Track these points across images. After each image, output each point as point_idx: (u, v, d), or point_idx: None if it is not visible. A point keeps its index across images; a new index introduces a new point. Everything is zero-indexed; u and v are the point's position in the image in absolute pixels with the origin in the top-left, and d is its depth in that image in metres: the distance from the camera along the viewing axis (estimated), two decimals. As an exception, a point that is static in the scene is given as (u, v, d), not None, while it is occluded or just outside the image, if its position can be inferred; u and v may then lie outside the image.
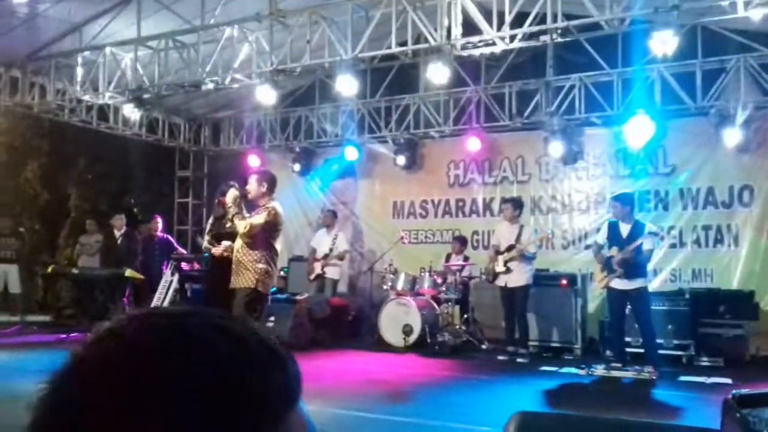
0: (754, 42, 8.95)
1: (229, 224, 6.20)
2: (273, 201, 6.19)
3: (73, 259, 11.54)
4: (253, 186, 6.02)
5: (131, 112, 10.02)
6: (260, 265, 5.93)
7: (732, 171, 9.47)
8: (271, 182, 6.25)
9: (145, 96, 9.97)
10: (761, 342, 8.49)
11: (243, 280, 5.94)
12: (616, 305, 7.50)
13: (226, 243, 6.23)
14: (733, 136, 9.07)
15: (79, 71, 10.02)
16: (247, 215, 5.93)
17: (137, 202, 13.09)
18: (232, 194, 5.97)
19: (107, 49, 9.66)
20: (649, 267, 8.11)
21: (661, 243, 9.11)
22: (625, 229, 7.45)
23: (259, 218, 5.93)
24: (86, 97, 10.42)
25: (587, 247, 10.28)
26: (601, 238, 7.74)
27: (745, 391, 1.19)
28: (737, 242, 9.38)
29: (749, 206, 9.34)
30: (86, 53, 9.93)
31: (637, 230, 7.40)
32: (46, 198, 12.78)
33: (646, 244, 7.28)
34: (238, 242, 5.99)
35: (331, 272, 10.21)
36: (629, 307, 7.52)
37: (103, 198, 13.00)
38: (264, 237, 5.97)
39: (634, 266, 7.29)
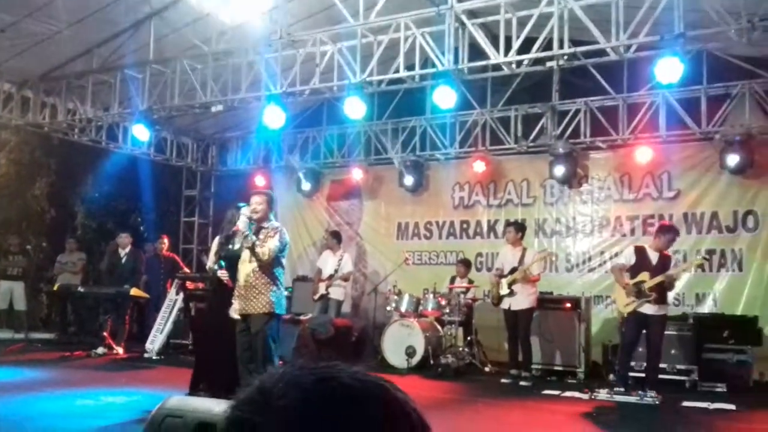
0: (759, 68, 9.03)
1: (237, 246, 6.23)
2: (274, 221, 6.28)
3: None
4: (262, 207, 6.08)
5: (140, 133, 10.11)
6: (274, 288, 5.98)
7: (736, 196, 9.52)
8: (273, 202, 6.39)
9: (155, 116, 10.09)
10: (765, 367, 8.48)
11: (258, 305, 5.96)
12: (636, 330, 7.47)
13: (224, 274, 6.27)
14: (737, 161, 9.12)
15: (91, 91, 10.14)
16: (254, 239, 5.97)
17: (143, 221, 13.20)
18: (244, 221, 6.02)
19: (119, 71, 9.81)
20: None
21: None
22: (654, 255, 7.46)
23: (273, 242, 5.98)
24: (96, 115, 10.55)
25: (591, 270, 10.35)
26: (626, 260, 7.67)
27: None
28: (741, 267, 9.39)
29: (753, 231, 9.36)
30: (99, 74, 10.07)
31: (666, 258, 7.42)
32: (52, 216, 12.88)
33: (690, 269, 7.31)
34: (250, 266, 6.02)
35: (335, 293, 10.24)
36: (643, 331, 7.50)
37: (109, 216, 13.11)
38: (276, 259, 6.03)
39: (664, 292, 7.31)
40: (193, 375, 6.26)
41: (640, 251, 7.58)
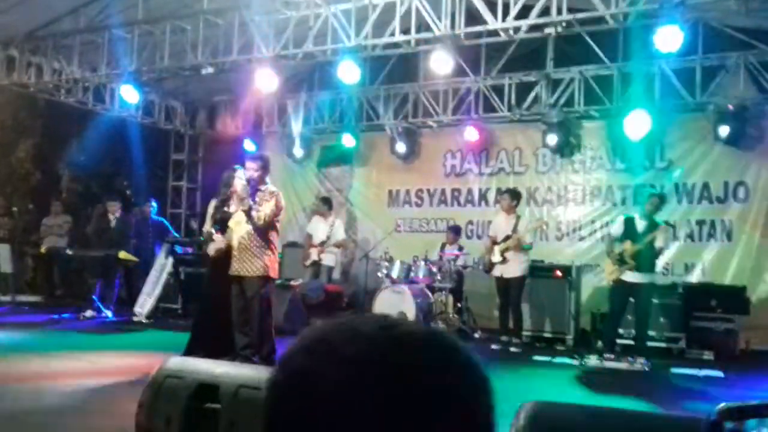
0: (755, 39, 9.00)
1: (233, 208, 6.17)
2: (270, 185, 6.22)
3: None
4: (258, 173, 6.02)
5: (129, 95, 9.93)
6: (268, 252, 5.95)
7: (727, 167, 9.55)
8: (269, 166, 6.32)
9: (144, 78, 9.90)
10: (752, 336, 8.61)
11: (252, 267, 5.94)
12: (622, 298, 7.56)
13: (219, 241, 6.19)
14: (729, 132, 9.13)
15: (78, 51, 9.92)
16: (251, 202, 5.93)
17: (130, 185, 13.04)
18: (241, 184, 5.96)
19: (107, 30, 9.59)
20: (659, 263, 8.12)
21: (672, 239, 9.00)
22: (641, 224, 7.51)
23: (269, 206, 5.93)
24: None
25: (581, 239, 10.40)
26: (616, 231, 7.76)
27: (726, 405, 1.19)
28: (730, 237, 9.47)
29: (743, 202, 9.42)
30: (86, 34, 9.84)
31: (652, 227, 7.48)
32: (38, 178, 12.69)
33: (660, 240, 7.34)
34: (244, 228, 5.98)
35: (328, 259, 10.23)
36: (631, 299, 7.59)
37: (95, 180, 12.93)
38: (271, 223, 5.99)
39: (646, 260, 7.36)
40: (190, 340, 6.22)
41: (628, 222, 7.64)
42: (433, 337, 0.68)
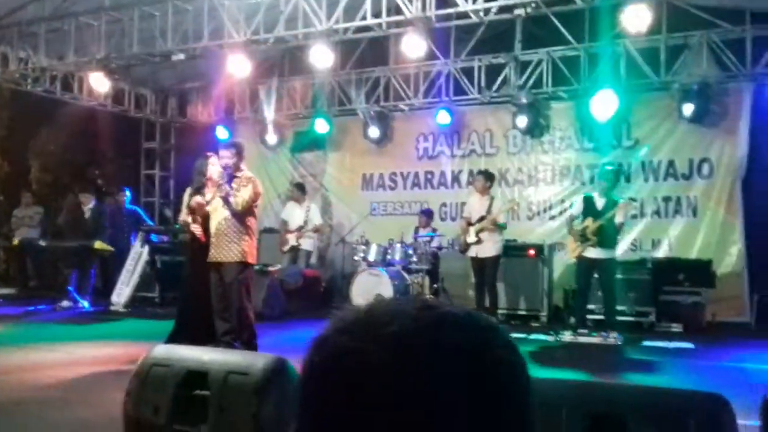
0: (717, 18, 9.20)
1: (209, 197, 6.18)
2: (246, 171, 6.25)
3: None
4: (233, 161, 6.04)
5: (98, 83, 9.82)
6: (246, 237, 5.99)
7: (692, 144, 9.78)
8: (243, 153, 6.33)
9: (113, 65, 9.79)
10: (717, 308, 8.89)
11: (230, 254, 5.96)
12: (586, 274, 7.76)
13: (197, 228, 6.19)
14: (693, 110, 9.35)
15: (44, 39, 9.77)
16: (228, 188, 5.95)
17: (102, 174, 12.91)
18: (217, 170, 5.97)
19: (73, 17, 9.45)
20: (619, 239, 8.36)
21: (631, 215, 9.22)
22: (600, 202, 7.70)
23: (247, 191, 5.96)
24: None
25: (552, 218, 10.60)
26: (576, 210, 7.96)
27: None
28: (695, 213, 9.73)
29: (707, 178, 9.67)
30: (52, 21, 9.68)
31: (611, 204, 7.66)
32: (6, 170, 12.49)
33: (619, 216, 7.53)
34: (221, 214, 6.01)
35: (306, 244, 10.29)
36: (595, 275, 7.80)
37: (66, 170, 12.76)
38: (249, 209, 6.02)
39: (607, 236, 7.55)
40: (173, 329, 6.24)
41: (587, 200, 7.83)
42: (474, 317, 0.68)
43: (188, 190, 6.55)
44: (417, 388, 0.61)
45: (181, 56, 9.37)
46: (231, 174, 6.07)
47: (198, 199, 6.13)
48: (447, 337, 0.64)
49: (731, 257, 9.35)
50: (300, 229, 10.26)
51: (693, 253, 9.46)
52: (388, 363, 0.62)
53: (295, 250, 10.23)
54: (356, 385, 0.62)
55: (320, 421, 0.64)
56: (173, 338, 5.92)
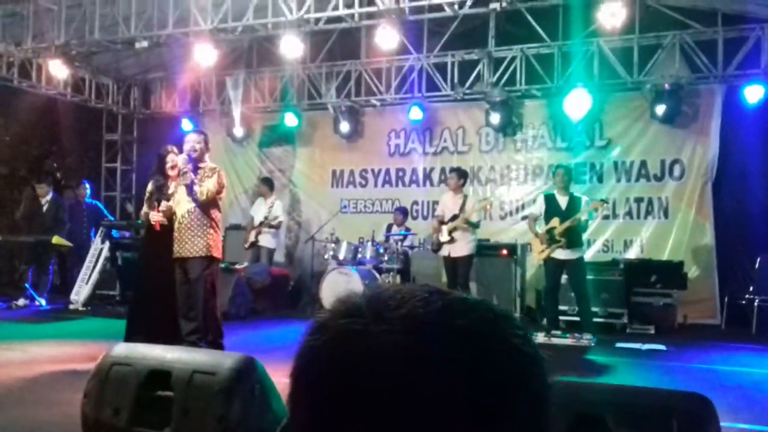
0: (689, 19, 9.20)
1: (171, 190, 5.91)
2: (210, 162, 6.02)
3: None
4: (200, 145, 5.80)
5: (58, 70, 9.43)
6: (211, 231, 5.74)
7: (664, 145, 9.78)
8: (209, 144, 6.13)
9: (74, 52, 9.41)
10: (688, 310, 8.90)
11: (194, 248, 5.71)
12: (555, 275, 7.65)
13: (165, 203, 5.91)
14: (665, 111, 9.34)
15: (1, 24, 9.34)
16: (193, 176, 5.70)
17: (61, 166, 12.44)
18: (182, 157, 5.72)
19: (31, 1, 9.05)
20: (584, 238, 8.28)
21: (595, 215, 9.22)
22: (562, 200, 7.58)
23: (212, 182, 5.71)
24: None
25: (524, 218, 10.50)
26: (537, 209, 7.84)
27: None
28: (667, 214, 9.73)
29: (679, 180, 9.68)
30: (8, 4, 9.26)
31: (574, 202, 7.55)
32: (-42, 162, 11.96)
33: (583, 213, 7.45)
34: (185, 207, 5.75)
35: (265, 240, 10.01)
36: (565, 276, 7.70)
37: (22, 162, 12.27)
38: (213, 201, 5.78)
39: (576, 236, 7.45)
40: (127, 329, 5.95)
41: (548, 199, 7.71)
42: (489, 304, 0.66)
43: (151, 183, 6.28)
44: (429, 372, 0.58)
45: (145, 44, 9.04)
46: (195, 165, 5.81)
47: (155, 217, 5.89)
48: (461, 321, 0.61)
49: (702, 259, 9.36)
50: (261, 225, 9.99)
51: (664, 255, 9.45)
52: (398, 345, 0.59)
53: (255, 246, 9.96)
54: (362, 368, 0.59)
55: (320, 409, 0.61)
56: (128, 338, 5.63)
